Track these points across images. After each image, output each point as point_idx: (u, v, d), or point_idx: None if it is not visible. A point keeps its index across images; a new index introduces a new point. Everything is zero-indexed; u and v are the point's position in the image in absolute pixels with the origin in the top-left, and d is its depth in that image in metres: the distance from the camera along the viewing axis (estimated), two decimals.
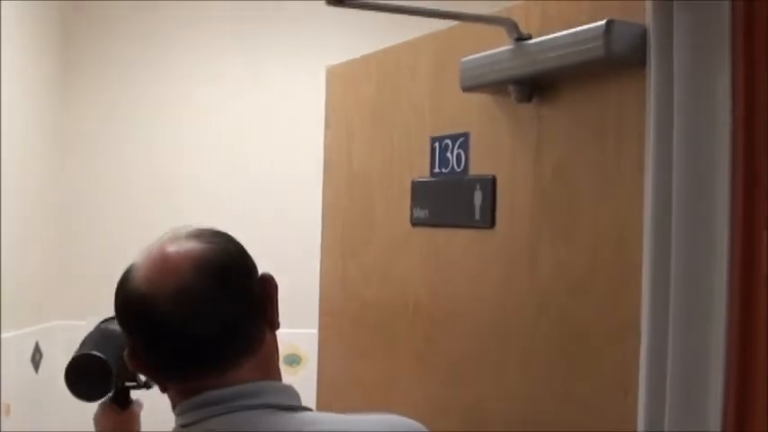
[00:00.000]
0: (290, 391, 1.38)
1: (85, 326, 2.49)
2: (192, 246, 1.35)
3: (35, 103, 4.14)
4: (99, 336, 2.11)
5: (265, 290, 1.40)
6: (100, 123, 4.39)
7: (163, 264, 1.32)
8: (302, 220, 4.19)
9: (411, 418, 1.85)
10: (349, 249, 2.17)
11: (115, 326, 1.54)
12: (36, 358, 4.14)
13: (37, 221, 4.15)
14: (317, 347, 2.35)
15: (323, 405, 2.23)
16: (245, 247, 1.40)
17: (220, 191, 4.35)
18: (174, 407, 1.37)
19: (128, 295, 1.34)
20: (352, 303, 2.18)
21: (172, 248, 1.34)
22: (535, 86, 1.53)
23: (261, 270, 1.42)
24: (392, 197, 1.97)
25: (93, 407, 4.19)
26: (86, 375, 2.08)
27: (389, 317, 2.01)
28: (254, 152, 4.37)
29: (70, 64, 4.40)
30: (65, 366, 2.13)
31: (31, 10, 4.06)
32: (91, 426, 4.10)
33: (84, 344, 2.11)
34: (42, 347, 4.18)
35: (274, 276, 1.42)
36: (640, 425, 1.29)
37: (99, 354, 1.99)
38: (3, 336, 3.76)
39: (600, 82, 1.41)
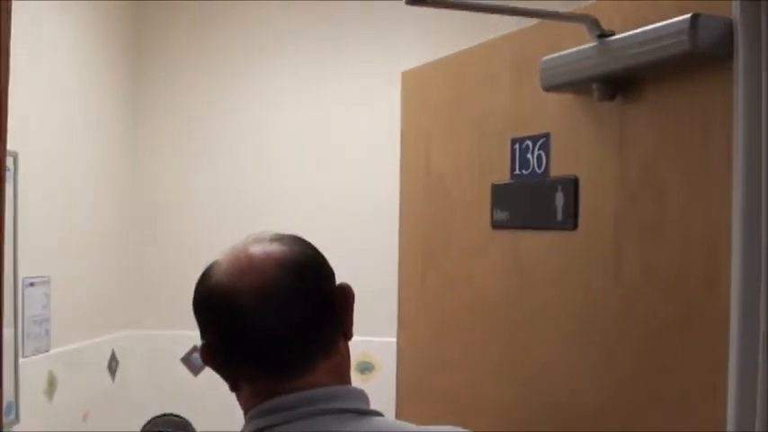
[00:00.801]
0: (363, 396, 1.38)
1: None
2: (276, 247, 1.36)
3: (107, 115, 4.24)
4: None
5: (343, 299, 1.40)
6: (171, 134, 4.48)
7: (247, 261, 1.34)
8: (379, 228, 4.22)
9: (492, 427, 1.84)
10: (427, 254, 2.16)
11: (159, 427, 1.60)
12: (112, 366, 4.25)
13: (112, 233, 4.27)
14: (389, 355, 2.34)
15: (401, 414, 2.22)
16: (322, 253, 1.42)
17: (296, 197, 4.39)
18: (245, 410, 1.38)
19: (209, 289, 1.36)
20: (430, 309, 2.16)
21: (256, 248, 1.36)
22: (619, 84, 1.50)
23: (339, 280, 1.43)
24: (471, 201, 1.95)
25: (169, 411, 4.25)
26: None
27: (469, 323, 1.99)
28: (330, 158, 4.39)
29: (141, 71, 4.48)
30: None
31: (104, 22, 4.16)
32: None
33: None
34: (118, 356, 4.30)
35: (351, 285, 1.43)
36: (730, 426, 1.25)
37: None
38: (81, 344, 3.88)
39: (686, 77, 1.38)
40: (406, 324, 2.29)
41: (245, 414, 1.38)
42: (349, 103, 4.37)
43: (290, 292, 1.33)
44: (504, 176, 1.84)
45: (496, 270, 1.88)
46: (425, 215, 2.16)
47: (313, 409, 1.31)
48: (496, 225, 1.86)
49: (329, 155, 4.38)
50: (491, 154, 1.88)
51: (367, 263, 4.10)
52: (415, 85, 2.22)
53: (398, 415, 2.20)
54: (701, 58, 1.30)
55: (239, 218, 4.35)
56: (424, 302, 2.19)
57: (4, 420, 3.12)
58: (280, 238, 1.39)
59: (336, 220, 4.32)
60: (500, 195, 1.85)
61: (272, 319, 1.32)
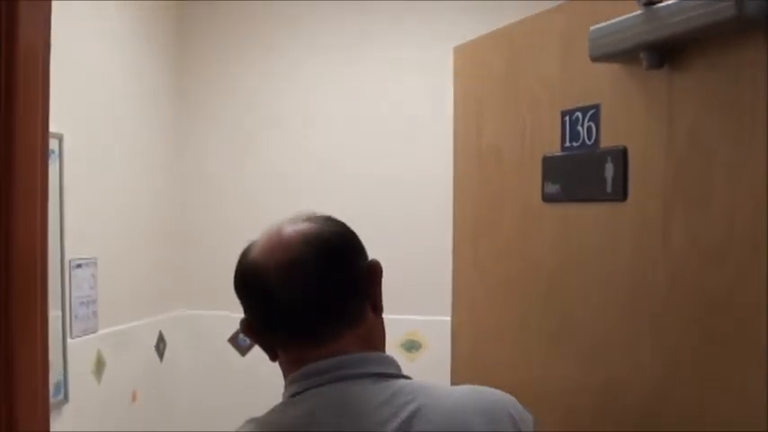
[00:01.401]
0: (390, 361, 1.48)
1: None
2: (305, 225, 1.47)
3: (152, 97, 4.24)
4: None
5: (371, 273, 1.49)
6: (216, 115, 4.48)
7: (277, 239, 1.45)
8: (429, 207, 4.21)
9: (545, 398, 1.84)
10: (481, 229, 2.16)
11: None
12: (160, 347, 4.27)
13: (158, 216, 4.27)
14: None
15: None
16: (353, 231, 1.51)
17: (342, 174, 4.35)
18: (284, 377, 1.50)
19: (244, 267, 1.48)
20: (484, 284, 2.17)
21: (287, 227, 1.47)
22: (667, 52, 1.48)
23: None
24: (523, 174, 1.95)
25: (215, 393, 4.28)
26: None
27: (522, 296, 1.99)
28: (377, 132, 4.35)
29: (185, 51, 4.48)
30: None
31: (148, 4, 4.17)
32: (213, 408, 4.19)
33: None
34: (166, 336, 4.32)
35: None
36: None
37: None
38: (128, 325, 3.90)
39: (733, 43, 1.36)
40: (460, 298, 2.30)
41: (285, 377, 1.50)
42: (396, 76, 4.32)
43: (312, 266, 1.42)
44: (555, 149, 1.83)
45: (548, 243, 1.88)
46: (479, 189, 2.17)
47: (339, 374, 1.41)
48: (547, 198, 1.86)
49: (376, 128, 4.34)
50: (542, 126, 1.88)
51: (416, 241, 4.11)
52: (468, 59, 2.22)
53: None
54: (747, 23, 1.29)
55: (284, 197, 4.36)
56: (478, 276, 2.19)
57: (54, 400, 3.17)
58: (311, 218, 1.50)
59: (384, 197, 4.30)
60: (551, 168, 1.85)
61: (295, 292, 1.41)
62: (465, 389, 1.47)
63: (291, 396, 1.44)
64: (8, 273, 1.01)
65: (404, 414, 1.35)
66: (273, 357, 1.52)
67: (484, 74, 2.14)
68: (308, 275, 1.42)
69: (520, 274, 1.99)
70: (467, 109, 2.21)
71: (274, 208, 4.23)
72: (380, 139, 4.34)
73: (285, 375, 1.50)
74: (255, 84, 4.48)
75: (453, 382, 2.27)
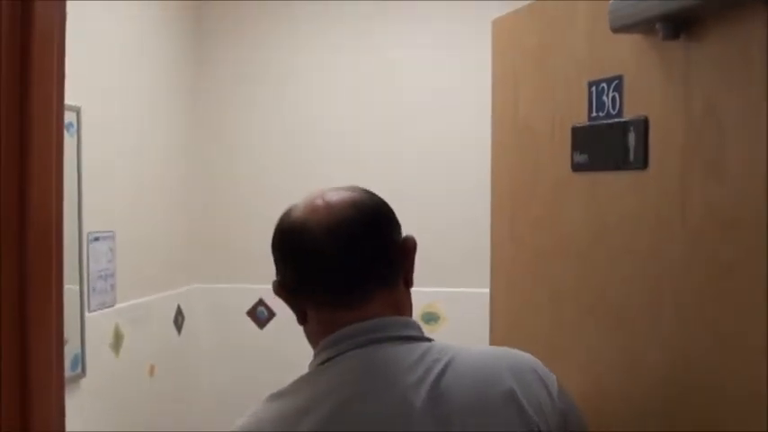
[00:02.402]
0: (417, 326, 1.53)
1: None
2: (347, 192, 1.54)
3: (172, 69, 4.22)
4: None
5: (406, 248, 1.56)
6: (237, 89, 4.46)
7: (321, 201, 1.51)
8: (462, 180, 4.21)
9: (575, 368, 1.87)
10: (517, 201, 2.19)
11: None
12: (178, 321, 4.25)
13: (176, 187, 4.24)
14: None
15: None
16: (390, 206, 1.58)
17: (369, 152, 4.36)
18: (313, 342, 1.55)
19: (288, 225, 1.52)
20: (520, 255, 2.20)
21: (332, 192, 1.54)
22: (682, 23, 1.49)
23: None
24: (555, 145, 1.97)
25: (233, 367, 4.25)
26: None
27: (555, 266, 2.02)
28: (414, 110, 4.35)
29: (204, 23, 4.46)
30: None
31: None
32: (232, 382, 4.18)
33: None
34: (184, 310, 4.30)
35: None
36: None
37: None
38: (147, 299, 3.88)
39: (746, 14, 1.37)
40: (498, 270, 2.33)
41: (314, 346, 1.55)
42: (429, 48, 4.34)
43: (356, 228, 1.48)
44: (583, 119, 1.85)
45: (578, 213, 1.90)
46: (515, 161, 2.19)
47: (372, 336, 1.47)
48: (576, 168, 1.88)
49: (407, 101, 4.35)
50: (572, 98, 1.90)
51: (441, 214, 4.14)
52: (505, 32, 2.24)
53: None
54: None
55: (304, 172, 4.38)
56: (514, 247, 2.22)
57: (71, 374, 3.17)
58: (353, 188, 1.57)
59: (412, 172, 4.32)
60: (579, 138, 1.87)
61: (339, 251, 1.47)
62: (491, 348, 1.59)
63: (321, 363, 1.49)
64: (24, 246, 1.05)
65: (435, 370, 1.41)
66: (302, 320, 1.56)
67: (519, 46, 2.16)
68: (352, 236, 1.47)
69: (553, 245, 2.02)
70: (504, 81, 2.24)
71: (293, 183, 4.33)
72: (414, 112, 4.33)
73: (314, 342, 1.55)
74: (276, 55, 4.44)
75: None
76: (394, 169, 4.33)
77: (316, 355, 1.53)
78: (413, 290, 1.58)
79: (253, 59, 4.49)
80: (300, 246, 1.49)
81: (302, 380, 1.50)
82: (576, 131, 1.88)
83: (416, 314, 1.58)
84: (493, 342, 2.32)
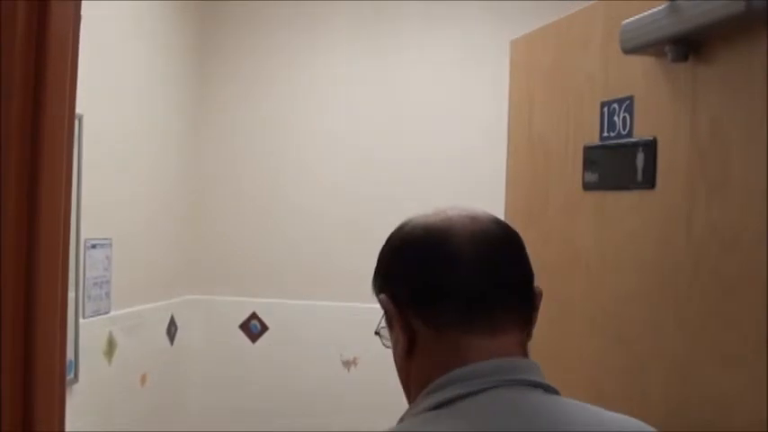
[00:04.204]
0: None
1: None
2: (481, 211, 1.33)
3: (171, 80, 4.21)
4: None
5: (538, 294, 1.34)
6: (235, 102, 4.47)
7: (456, 211, 1.30)
8: (468, 191, 4.16)
9: (587, 381, 1.90)
10: (530, 216, 2.23)
11: None
12: (171, 331, 4.25)
13: (174, 199, 4.24)
14: None
15: None
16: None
17: (338, 166, 4.36)
18: (420, 379, 1.26)
19: (419, 231, 1.30)
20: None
21: (461, 208, 1.32)
22: (691, 45, 1.53)
23: None
24: (567, 163, 2.01)
25: (224, 379, 4.25)
26: None
27: (565, 281, 2.05)
28: (424, 125, 4.36)
29: (206, 32, 4.46)
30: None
31: None
32: (222, 395, 4.17)
33: None
34: (177, 321, 4.29)
35: None
36: None
37: None
38: (141, 307, 3.87)
39: (751, 35, 1.41)
40: None
41: (415, 386, 1.28)
42: (435, 70, 4.35)
43: (503, 245, 1.29)
44: (594, 139, 1.89)
45: (587, 229, 1.94)
46: (529, 177, 2.23)
47: (518, 378, 1.22)
48: (587, 186, 1.92)
49: (414, 116, 4.37)
50: (584, 117, 1.94)
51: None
52: (522, 52, 2.29)
53: None
54: (758, 17, 1.34)
55: (302, 186, 4.40)
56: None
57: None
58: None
59: (422, 186, 4.32)
60: (591, 157, 1.91)
61: (486, 260, 1.25)
62: (620, 416, 1.31)
63: (436, 407, 1.20)
64: (33, 253, 1.07)
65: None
66: (410, 349, 1.27)
67: (535, 66, 2.20)
68: (500, 251, 1.27)
69: (562, 259, 2.05)
70: (520, 100, 2.28)
71: (294, 199, 4.37)
72: (424, 126, 4.35)
73: (418, 380, 1.27)
74: (279, 66, 4.45)
75: None
76: (402, 182, 4.35)
77: (429, 393, 1.23)
78: None
79: (255, 69, 4.49)
80: (434, 253, 1.26)
81: (427, 420, 1.19)
82: (588, 151, 1.92)
83: None
84: None
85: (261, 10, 4.46)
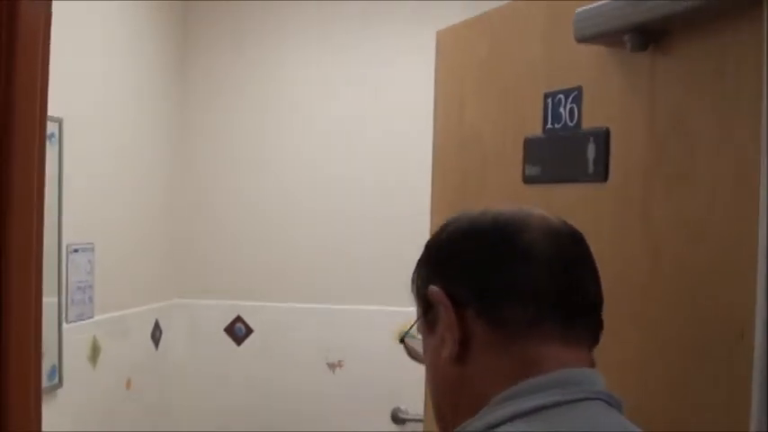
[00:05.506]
0: None
1: None
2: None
3: (155, 84, 4.21)
4: None
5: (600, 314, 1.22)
6: (219, 105, 4.47)
7: (530, 209, 1.22)
8: (416, 188, 4.21)
9: None
10: (460, 210, 2.18)
11: None
12: (156, 335, 4.24)
13: (157, 204, 4.24)
14: None
15: None
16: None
17: (332, 164, 4.39)
18: (475, 392, 1.12)
19: (487, 219, 1.18)
20: None
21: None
22: (651, 34, 1.51)
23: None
24: (505, 156, 1.97)
25: (209, 384, 4.28)
26: None
27: None
28: (363, 122, 4.37)
29: (187, 38, 4.46)
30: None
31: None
32: (208, 398, 4.19)
33: None
34: (162, 325, 4.29)
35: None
36: (756, 370, 1.28)
37: None
38: (125, 312, 3.86)
39: (716, 25, 1.39)
40: None
41: (475, 395, 1.13)
42: (380, 63, 4.36)
43: (578, 248, 1.20)
44: (536, 131, 1.86)
45: None
46: (458, 171, 2.19)
47: (599, 391, 1.12)
48: (529, 180, 1.88)
49: (364, 117, 4.38)
50: (524, 109, 1.90)
51: (399, 231, 4.12)
52: (451, 43, 2.24)
53: None
54: (728, 6, 1.32)
55: (281, 189, 4.41)
56: None
57: (48, 384, 3.15)
58: None
59: (372, 180, 4.33)
60: (532, 149, 1.87)
61: (563, 266, 1.14)
62: None
63: (514, 417, 1.06)
64: (5, 259, 1.00)
65: None
66: (462, 350, 1.13)
67: (467, 57, 2.16)
68: (577, 253, 1.18)
69: None
70: (448, 92, 2.24)
71: (278, 202, 4.36)
72: (371, 115, 4.36)
73: (473, 388, 1.13)
74: (259, 70, 4.47)
75: None
76: (360, 180, 4.35)
77: (502, 402, 1.08)
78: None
79: (239, 71, 4.48)
80: (516, 243, 1.13)
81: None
82: (530, 143, 1.88)
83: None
84: None
85: (242, 10, 4.46)
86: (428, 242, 1.24)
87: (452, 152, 2.21)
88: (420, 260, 1.23)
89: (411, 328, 1.25)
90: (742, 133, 1.36)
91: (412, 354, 1.28)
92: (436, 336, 1.16)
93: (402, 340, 1.30)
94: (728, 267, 1.38)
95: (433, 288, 1.15)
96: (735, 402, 1.35)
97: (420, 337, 1.23)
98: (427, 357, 1.21)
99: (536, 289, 1.11)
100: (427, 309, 1.18)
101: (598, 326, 1.17)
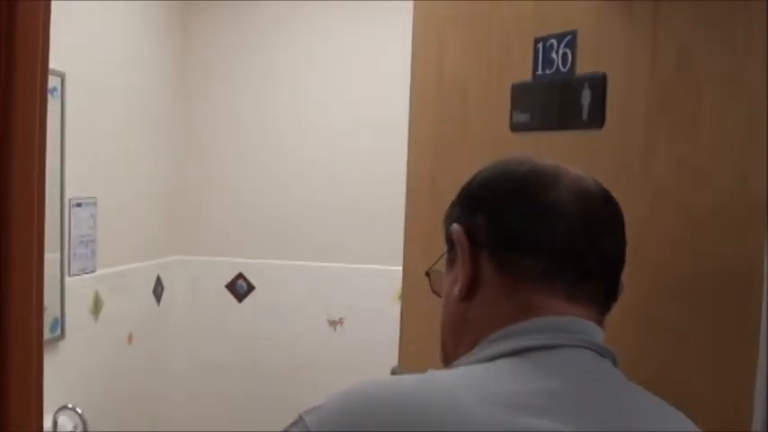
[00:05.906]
0: None
1: None
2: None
3: (158, 37, 4.25)
4: None
5: (618, 287, 1.20)
6: (222, 61, 4.52)
7: (570, 166, 1.19)
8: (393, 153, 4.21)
9: None
10: (439, 161, 2.13)
11: None
12: (158, 291, 4.35)
13: (159, 159, 4.31)
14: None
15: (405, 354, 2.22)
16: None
17: (321, 125, 4.45)
18: (479, 328, 1.14)
19: (523, 168, 1.17)
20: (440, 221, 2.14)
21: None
22: None
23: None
24: (490, 103, 1.93)
25: (210, 339, 4.39)
26: None
27: None
28: (346, 89, 4.43)
29: (189, 28, 4.51)
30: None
31: None
32: (209, 354, 4.21)
33: None
34: (164, 281, 4.40)
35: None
36: (763, 316, 1.28)
37: None
38: (127, 267, 3.96)
39: None
40: (413, 242, 2.25)
41: (466, 337, 1.17)
42: (359, 25, 4.40)
43: (607, 213, 1.18)
44: (524, 77, 1.81)
45: None
46: (437, 120, 2.14)
47: (591, 341, 1.11)
48: (516, 127, 1.84)
49: (343, 84, 4.44)
50: (512, 55, 1.86)
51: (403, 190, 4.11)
52: None
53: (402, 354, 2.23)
54: None
55: (277, 151, 4.47)
56: (434, 211, 2.17)
57: (51, 336, 3.22)
58: None
59: (360, 144, 4.38)
60: (521, 96, 1.83)
61: (585, 226, 1.13)
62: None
63: (508, 355, 1.07)
64: (6, 213, 1.00)
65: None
66: (471, 287, 1.15)
67: (448, 8, 2.10)
68: (604, 217, 1.16)
69: None
70: (427, 38, 2.18)
71: (277, 159, 4.42)
72: (346, 88, 4.42)
73: (475, 324, 1.15)
74: (260, 25, 4.48)
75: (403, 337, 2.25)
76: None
77: (498, 341, 1.10)
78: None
79: (241, 30, 4.48)
80: (544, 195, 1.13)
81: (505, 368, 1.06)
82: (518, 89, 1.84)
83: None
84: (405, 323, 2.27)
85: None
86: (466, 183, 1.24)
87: (432, 101, 2.15)
88: (454, 200, 1.25)
89: (436, 262, 1.27)
90: (752, 75, 1.33)
91: (434, 287, 1.31)
92: (453, 272, 1.19)
93: (427, 273, 1.33)
94: (736, 213, 1.36)
95: (455, 226, 1.18)
96: (741, 352, 1.33)
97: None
98: (443, 292, 1.24)
99: (553, 245, 1.12)
100: (451, 246, 1.20)
101: (613, 290, 1.17)
